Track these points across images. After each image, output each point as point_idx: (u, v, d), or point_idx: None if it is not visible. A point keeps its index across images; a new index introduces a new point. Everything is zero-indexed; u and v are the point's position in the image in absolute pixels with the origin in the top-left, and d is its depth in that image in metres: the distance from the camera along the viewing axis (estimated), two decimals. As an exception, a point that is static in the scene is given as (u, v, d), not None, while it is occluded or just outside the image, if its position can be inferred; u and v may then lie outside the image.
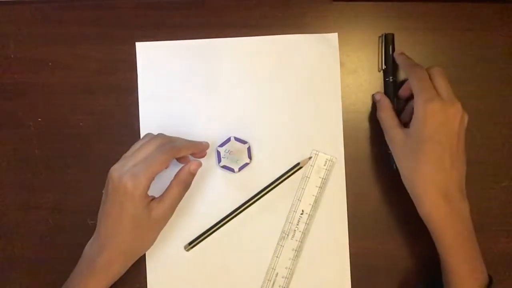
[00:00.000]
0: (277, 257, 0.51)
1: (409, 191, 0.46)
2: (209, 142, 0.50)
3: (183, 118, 0.52)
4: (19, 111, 0.53)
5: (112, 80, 0.53)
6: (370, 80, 0.52)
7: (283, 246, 0.51)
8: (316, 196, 0.51)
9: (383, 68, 0.52)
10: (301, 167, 0.51)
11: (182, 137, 0.48)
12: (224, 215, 0.51)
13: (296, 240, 0.51)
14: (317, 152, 0.52)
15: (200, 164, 0.47)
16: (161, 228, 0.47)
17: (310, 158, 0.52)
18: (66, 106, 0.52)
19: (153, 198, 0.46)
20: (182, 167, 0.47)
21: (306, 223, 0.51)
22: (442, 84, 0.45)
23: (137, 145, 0.46)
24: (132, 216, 0.44)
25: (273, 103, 0.52)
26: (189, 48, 0.53)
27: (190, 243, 0.51)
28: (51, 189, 0.52)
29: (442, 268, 0.47)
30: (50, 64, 0.53)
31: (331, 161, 0.52)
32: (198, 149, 0.49)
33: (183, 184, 0.46)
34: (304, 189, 0.52)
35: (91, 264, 0.45)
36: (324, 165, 0.52)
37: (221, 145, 0.51)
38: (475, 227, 0.47)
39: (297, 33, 0.52)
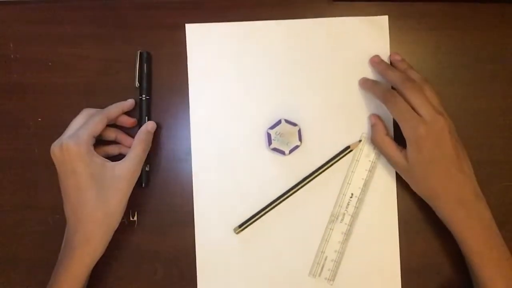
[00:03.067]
0: (326, 240, 0.51)
1: (425, 199, 0.48)
2: (259, 124, 0.52)
3: (233, 100, 0.52)
4: (19, 111, 0.53)
5: (112, 80, 0.53)
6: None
7: (333, 230, 0.51)
8: (365, 179, 0.51)
9: (137, 85, 0.52)
10: (351, 150, 0.51)
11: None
12: (274, 197, 0.51)
13: (346, 224, 0.51)
14: (367, 135, 0.52)
15: (155, 124, 0.51)
16: (128, 188, 0.47)
17: (360, 141, 0.52)
18: (66, 106, 0.52)
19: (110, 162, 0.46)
20: (140, 128, 0.50)
21: (355, 207, 0.51)
22: (419, 102, 0.46)
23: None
24: (90, 176, 0.44)
25: (324, 86, 0.52)
26: (239, 30, 0.52)
27: (240, 226, 0.51)
28: (51, 189, 0.52)
29: (471, 274, 0.47)
30: (50, 64, 0.53)
31: None
32: (125, 106, 0.51)
33: (144, 142, 0.49)
34: (354, 172, 0.51)
35: (70, 246, 0.45)
36: (374, 148, 0.51)
37: (272, 127, 0.50)
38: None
39: (297, 33, 0.52)
